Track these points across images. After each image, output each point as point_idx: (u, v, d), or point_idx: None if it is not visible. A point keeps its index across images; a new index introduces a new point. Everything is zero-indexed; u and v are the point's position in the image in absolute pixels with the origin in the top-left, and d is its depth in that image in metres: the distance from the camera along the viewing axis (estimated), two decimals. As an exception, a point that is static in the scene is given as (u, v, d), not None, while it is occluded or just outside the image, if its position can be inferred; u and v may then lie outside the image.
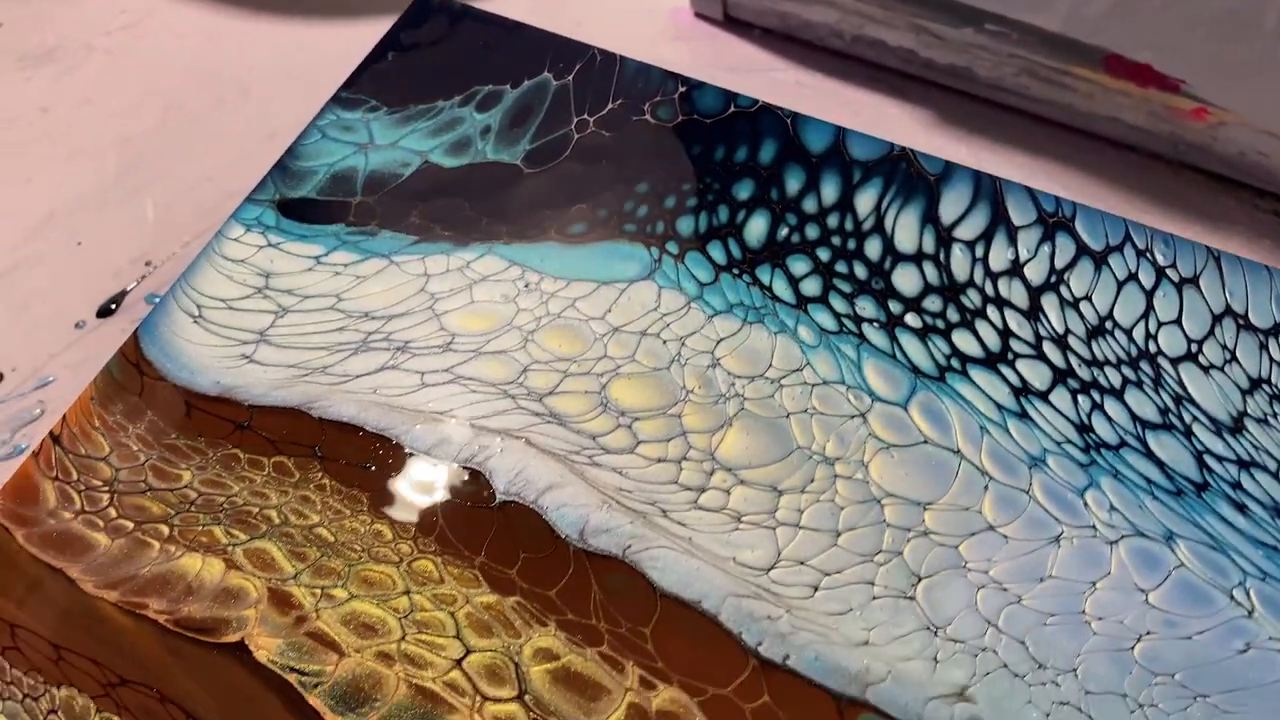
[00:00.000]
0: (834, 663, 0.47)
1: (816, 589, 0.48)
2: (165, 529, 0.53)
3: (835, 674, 0.46)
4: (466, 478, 0.52)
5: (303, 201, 0.61)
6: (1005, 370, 0.53)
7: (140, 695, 0.49)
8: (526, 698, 0.47)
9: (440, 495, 0.52)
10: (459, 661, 0.48)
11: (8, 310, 1.07)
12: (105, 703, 0.49)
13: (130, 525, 0.53)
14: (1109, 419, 0.51)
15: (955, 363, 0.53)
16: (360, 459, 0.53)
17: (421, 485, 0.52)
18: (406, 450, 0.53)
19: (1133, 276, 0.55)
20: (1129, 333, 0.53)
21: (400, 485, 0.52)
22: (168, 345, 0.57)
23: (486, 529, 0.51)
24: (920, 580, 0.48)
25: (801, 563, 0.49)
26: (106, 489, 0.54)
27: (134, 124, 1.09)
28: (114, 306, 1.04)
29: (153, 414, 0.56)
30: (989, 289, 0.55)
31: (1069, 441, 0.51)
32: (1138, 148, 0.78)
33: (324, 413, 0.55)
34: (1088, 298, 0.54)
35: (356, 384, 0.55)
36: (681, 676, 0.47)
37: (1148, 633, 0.46)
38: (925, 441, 0.51)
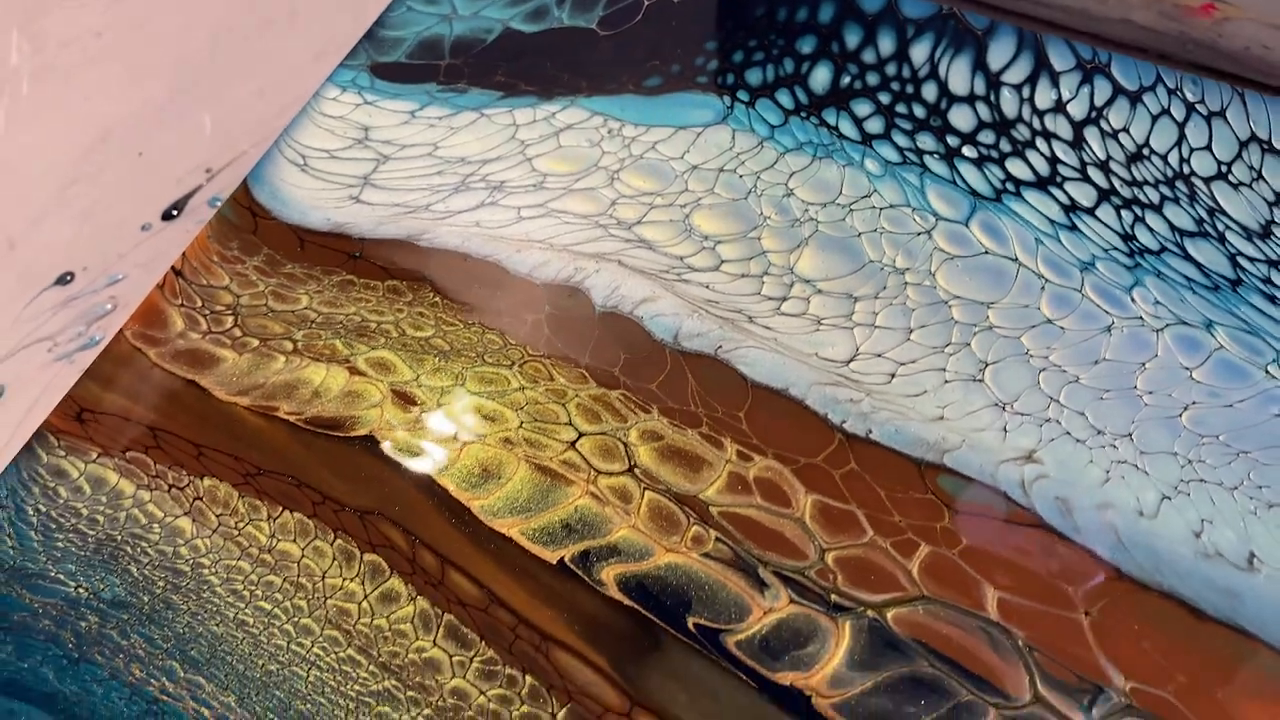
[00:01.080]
0: (913, 435, 0.52)
1: (893, 376, 0.54)
2: (289, 344, 0.57)
3: (915, 444, 0.52)
4: (568, 294, 0.57)
5: (394, 65, 0.66)
6: (1055, 191, 0.58)
7: (278, 482, 0.54)
8: (636, 470, 0.52)
9: (545, 310, 0.57)
10: (573, 443, 0.53)
11: (74, 216, 1.11)
12: (246, 489, 0.54)
13: (255, 342, 0.58)
14: (1150, 229, 0.57)
15: (1009, 186, 0.59)
16: (468, 281, 0.58)
17: (526, 302, 0.58)
18: (510, 272, 0.58)
19: (1165, 111, 0.60)
20: (1164, 158, 0.59)
21: (507, 302, 0.58)
22: (277, 190, 0.62)
23: (589, 337, 0.56)
24: (987, 366, 0.54)
25: (878, 355, 0.55)
26: (230, 313, 0.59)
27: (186, 46, 1.14)
28: (175, 212, 1.08)
29: (268, 248, 0.60)
30: (1036, 124, 0.61)
31: (1115, 249, 0.56)
32: (1149, 49, 0.83)
33: (431, 242, 0.60)
34: (1125, 129, 0.60)
35: (458, 219, 0.60)
36: (775, 450, 0.52)
37: (1193, 403, 0.52)
38: (986, 253, 0.57)
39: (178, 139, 1.11)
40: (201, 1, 1.20)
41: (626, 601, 0.49)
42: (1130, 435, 0.51)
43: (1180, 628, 0.47)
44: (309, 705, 0.48)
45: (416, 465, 0.53)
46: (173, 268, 0.60)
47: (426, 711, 0.47)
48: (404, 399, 0.55)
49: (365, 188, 0.61)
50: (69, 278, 1.04)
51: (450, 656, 0.48)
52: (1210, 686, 0.46)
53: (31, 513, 0.54)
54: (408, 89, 0.65)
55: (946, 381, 0.53)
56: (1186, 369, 0.52)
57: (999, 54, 0.61)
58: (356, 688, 0.48)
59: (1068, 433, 0.51)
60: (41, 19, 1.15)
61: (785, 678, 0.47)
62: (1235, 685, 0.45)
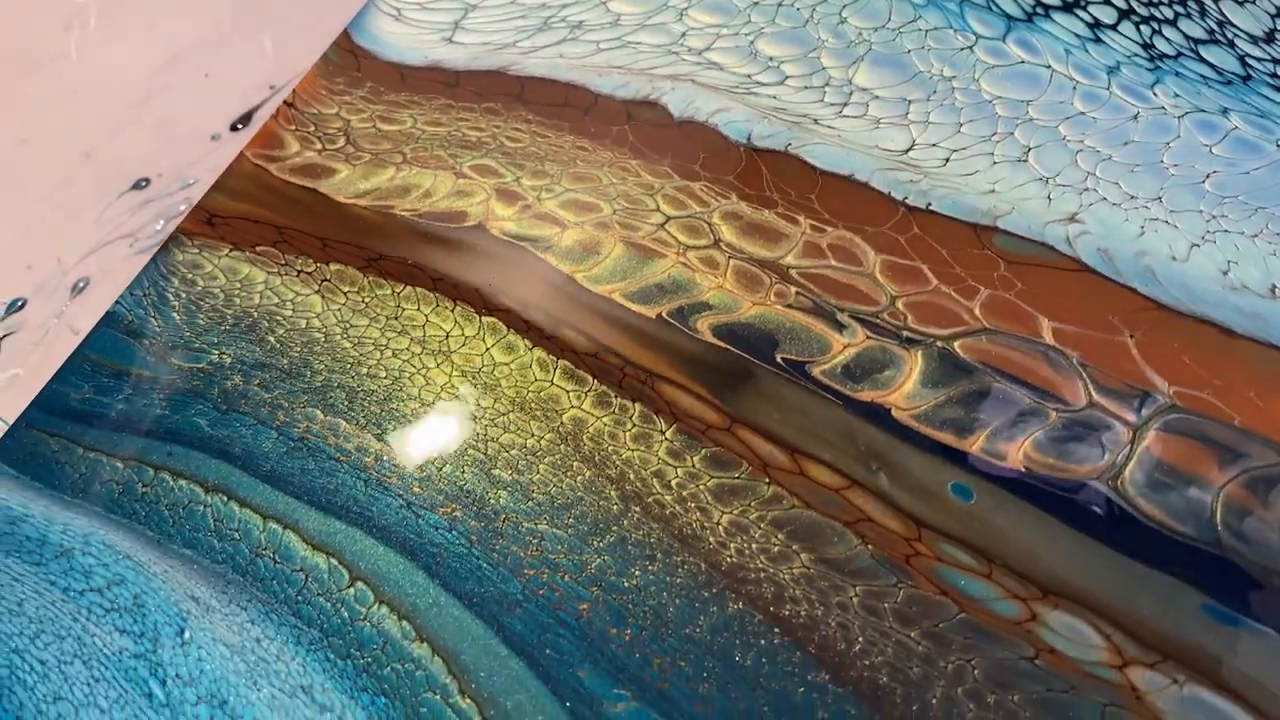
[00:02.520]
0: (968, 205, 0.59)
1: (947, 160, 0.61)
2: (398, 156, 0.64)
3: (970, 212, 0.59)
4: (648, 108, 0.64)
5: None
6: (1079, 13, 0.66)
7: (398, 265, 0.60)
8: (720, 244, 0.59)
9: (628, 121, 0.64)
10: (662, 225, 0.60)
11: (146, 129, 1.18)
12: (370, 271, 0.60)
13: (367, 156, 0.64)
14: (1167, 39, 0.64)
15: (1039, 9, 0.66)
16: (557, 101, 0.65)
17: (611, 115, 0.64)
18: (595, 92, 0.65)
19: (1175, -54, 0.68)
20: (1177, -18, 0.66)
21: (593, 117, 0.64)
22: (377, 37, 0.69)
23: (669, 141, 0.63)
24: (1030, 150, 0.61)
25: (933, 145, 0.62)
26: (341, 134, 0.65)
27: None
28: (241, 125, 1.15)
29: (371, 82, 0.67)
30: (1060, -41, 0.68)
31: (1136, 55, 0.64)
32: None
33: (520, 72, 0.67)
34: (1141, -38, 0.68)
35: (543, 53, 0.67)
36: (845, 223, 0.59)
37: (1214, 172, 0.59)
38: (1022, 62, 0.64)
39: (240, 59, 1.18)
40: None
41: (720, 344, 0.55)
42: (1160, 198, 0.58)
43: (1213, 345, 0.54)
44: (443, 431, 0.54)
45: (523, 247, 0.59)
46: (284, 101, 0.66)
47: (549, 435, 0.54)
48: (507, 196, 0.61)
49: (456, 30, 0.68)
50: (145, 183, 1.11)
51: (567, 392, 0.55)
52: (1242, 387, 0.52)
53: (172, 297, 0.60)
54: (489, -48, 0.72)
55: (995, 163, 0.60)
56: (1206, 145, 0.60)
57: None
58: (485, 421, 0.54)
59: (1104, 198, 0.58)
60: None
61: (866, 396, 0.53)
62: (1263, 385, 0.52)
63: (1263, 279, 0.55)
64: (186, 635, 0.50)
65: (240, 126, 1.10)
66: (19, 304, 1.06)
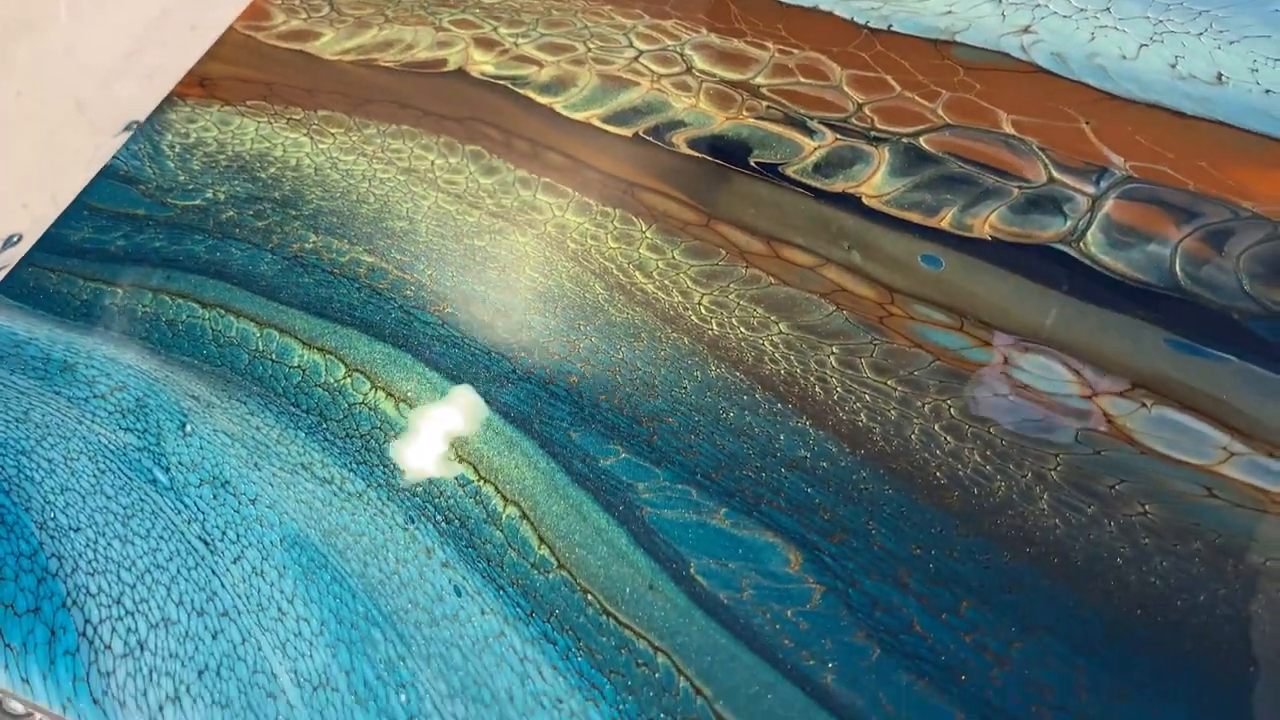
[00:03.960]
0: (927, 24, 0.62)
1: None
2: (380, 17, 0.67)
3: (929, 30, 0.62)
4: None
5: None
6: None
7: (383, 106, 0.63)
8: (693, 70, 0.62)
9: None
10: (635, 58, 0.63)
11: (136, 80, 1.21)
12: (357, 114, 0.63)
13: (350, 19, 0.67)
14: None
15: None
16: None
17: None
18: None
19: None
20: None
21: None
22: None
23: None
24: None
25: None
26: (326, 3, 0.68)
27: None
28: None
29: None
30: None
31: None
32: None
33: None
34: None
35: None
36: (811, 45, 0.62)
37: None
38: (972, -95, 0.67)
39: (224, 12, 1.21)
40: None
41: (696, 155, 0.58)
42: (1108, 9, 0.61)
43: (1166, 125, 0.56)
44: (431, 243, 0.56)
45: (502, 85, 0.62)
46: (270, -20, 0.69)
47: (533, 239, 0.56)
48: (485, 44, 0.64)
49: None
50: (135, 125, 1.14)
51: (549, 204, 0.57)
52: (1194, 159, 0.55)
53: (166, 148, 0.62)
54: None
55: None
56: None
57: None
58: (471, 232, 0.56)
59: (1055, 12, 0.61)
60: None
61: (837, 187, 0.56)
62: (1214, 156, 0.55)
63: (1209, 68, 0.57)
64: (188, 428, 0.51)
65: (227, 71, 1.11)
66: (15, 239, 1.08)
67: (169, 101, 0.63)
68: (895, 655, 0.41)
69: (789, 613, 0.43)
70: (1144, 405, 0.47)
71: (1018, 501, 0.44)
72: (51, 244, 0.58)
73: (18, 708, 0.69)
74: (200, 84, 0.64)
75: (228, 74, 0.64)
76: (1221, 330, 0.48)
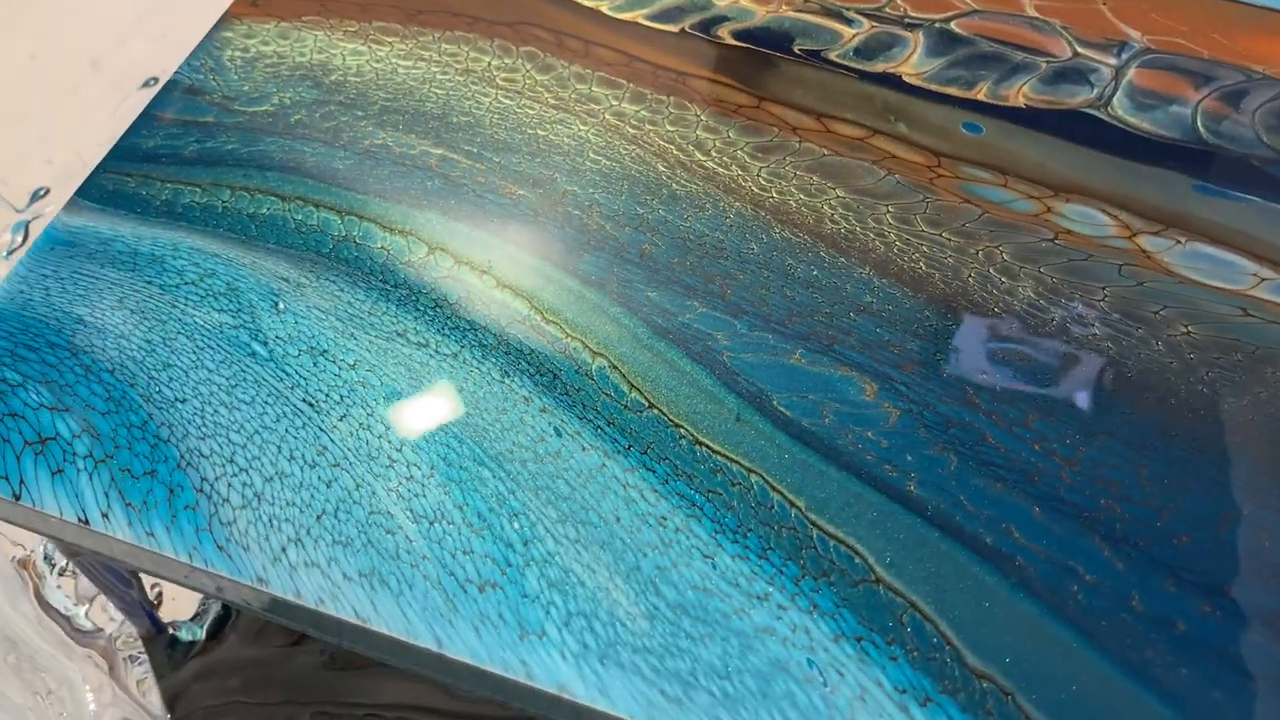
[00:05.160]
0: None
1: None
2: None
3: None
4: None
5: None
6: None
7: (435, 16, 0.66)
8: None
9: None
10: None
11: (148, 38, 1.23)
12: (410, 24, 0.66)
13: None
14: None
15: None
16: None
17: None
18: None
19: None
20: None
21: None
22: None
23: None
24: None
25: None
26: None
27: None
28: None
29: None
30: None
31: None
32: None
33: None
34: None
35: None
36: None
37: None
38: None
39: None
40: None
41: (741, 45, 0.62)
42: None
43: (1178, 3, 0.61)
44: (496, 134, 0.59)
45: None
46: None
47: (594, 126, 0.59)
48: (529, -44, 0.67)
49: None
50: (154, 80, 1.16)
51: (606, 94, 0.60)
52: (1207, 31, 0.59)
53: (228, 62, 0.65)
54: None
55: None
56: None
57: None
58: (534, 122, 0.60)
59: None
60: None
61: (878, 68, 0.60)
62: (1225, 28, 0.59)
63: (1214, -48, 0.62)
64: (281, 306, 0.54)
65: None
66: (42, 192, 1.10)
67: (224, 22, 0.66)
68: (972, 464, 0.45)
69: (869, 434, 0.47)
70: (1179, 242, 0.51)
71: (1071, 328, 0.48)
72: (124, 152, 0.60)
73: (86, 624, 0.71)
74: (253, 3, 0.66)
75: (280, -7, 0.67)
76: (1244, 175, 0.53)
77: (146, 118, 0.62)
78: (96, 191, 0.59)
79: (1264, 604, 0.41)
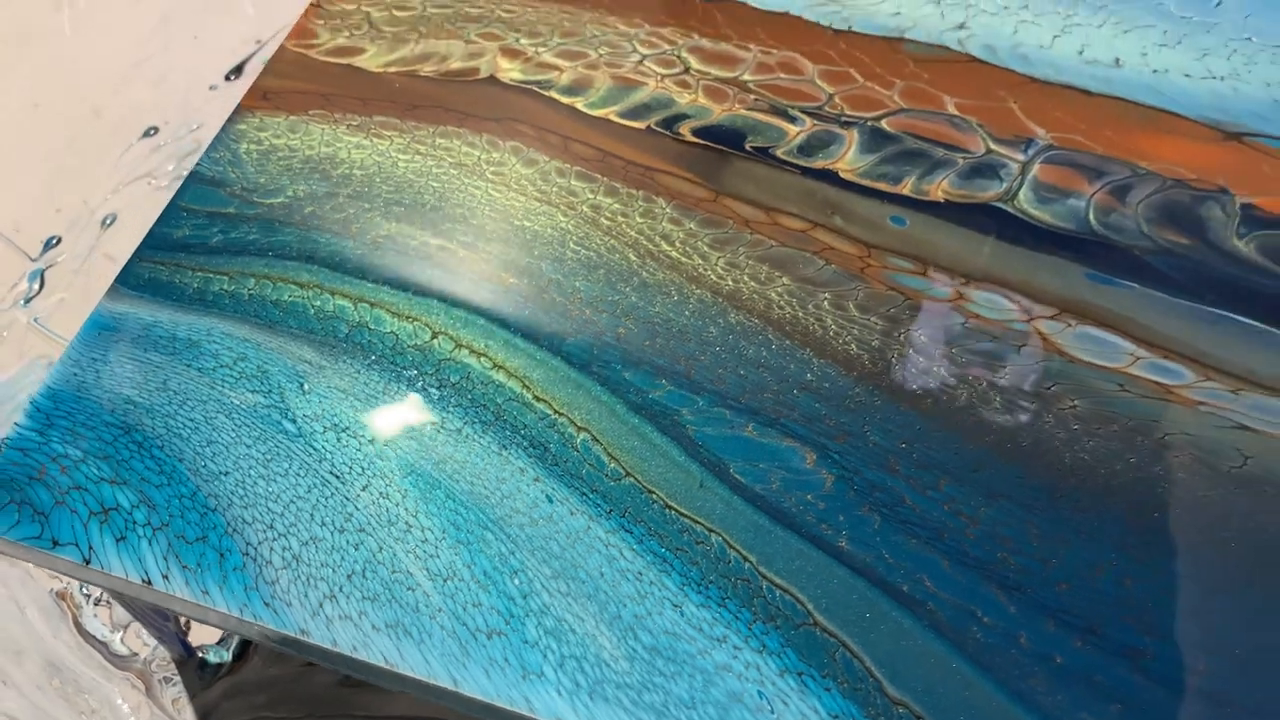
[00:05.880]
0: (880, 24, 0.75)
1: None
2: (415, 33, 0.79)
3: (882, 29, 0.75)
4: None
5: None
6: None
7: (429, 111, 0.75)
8: (690, 71, 0.74)
9: None
10: (641, 61, 0.75)
11: (148, 86, 1.31)
12: (406, 117, 0.74)
13: (389, 35, 0.79)
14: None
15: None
16: None
17: None
18: None
19: None
20: None
21: None
22: None
23: (641, 6, 0.79)
24: None
25: None
26: (364, 22, 0.80)
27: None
28: (232, 77, 1.29)
29: None
30: None
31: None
32: None
33: None
34: None
35: None
36: (786, 46, 0.75)
37: None
38: (911, -81, 0.81)
39: (225, 22, 1.31)
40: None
41: (700, 142, 0.71)
42: (1026, 6, 0.75)
43: (1077, 102, 0.71)
44: (487, 226, 0.69)
45: (529, 88, 0.74)
46: (312, 2, 0.80)
47: (573, 219, 0.68)
48: (510, 53, 0.76)
49: None
50: (154, 130, 1.24)
51: (584, 188, 0.70)
52: (1100, 129, 0.69)
53: (244, 154, 0.73)
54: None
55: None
56: None
57: None
58: (520, 215, 0.69)
59: (984, 10, 0.75)
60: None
61: (818, 165, 0.69)
62: (1116, 126, 0.69)
63: (1109, 54, 0.72)
64: (306, 387, 0.63)
65: (234, 77, 1.23)
66: (54, 240, 1.18)
67: (238, 114, 0.74)
68: (893, 522, 0.55)
69: (809, 497, 0.57)
70: (1070, 324, 0.61)
71: (977, 403, 0.59)
72: (157, 241, 0.69)
73: (122, 649, 0.81)
74: (264, 97, 0.75)
75: (287, 87, 0.76)
76: (1127, 264, 0.63)
77: (174, 208, 0.71)
78: (134, 279, 0.68)
79: (1126, 640, 0.51)
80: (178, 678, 0.80)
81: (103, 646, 0.83)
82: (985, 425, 0.57)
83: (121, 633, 0.83)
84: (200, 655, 0.82)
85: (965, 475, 0.56)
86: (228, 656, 0.82)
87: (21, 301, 1.04)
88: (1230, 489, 0.55)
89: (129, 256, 0.69)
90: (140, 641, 0.83)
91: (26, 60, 1.25)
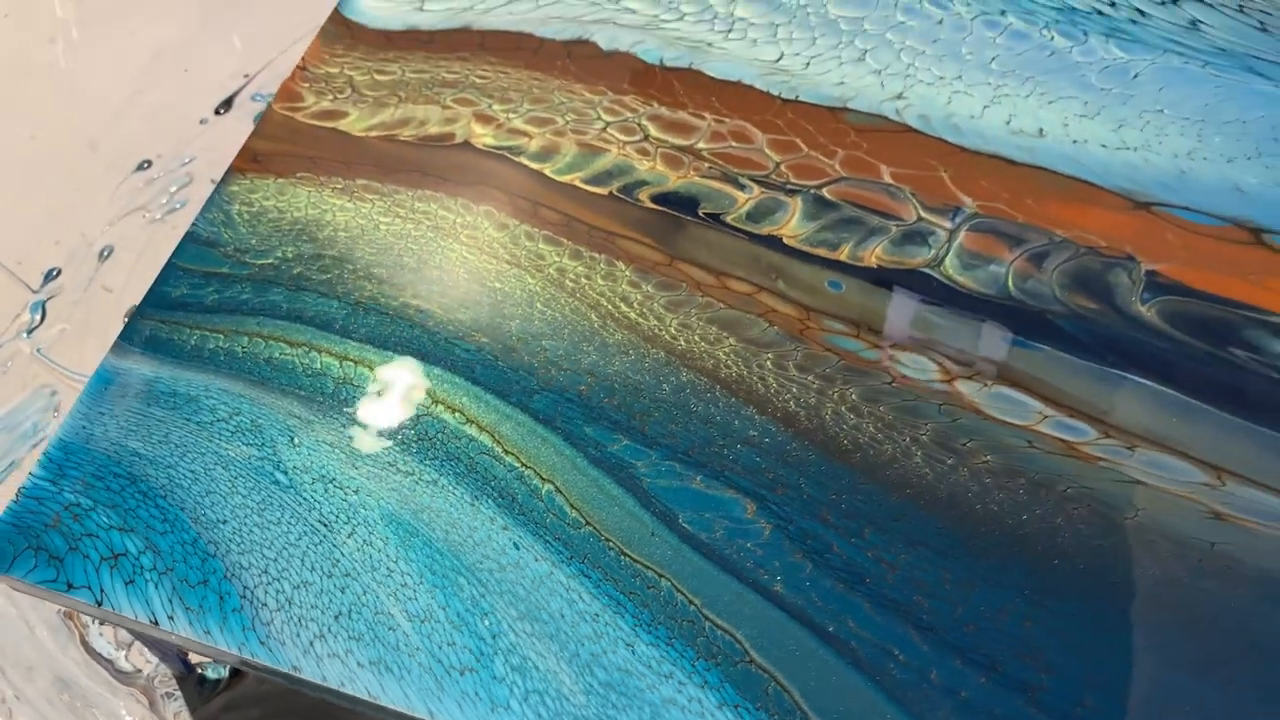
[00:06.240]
0: (825, 94, 0.82)
1: (808, 65, 0.84)
2: (394, 98, 0.85)
3: (826, 99, 0.82)
4: (582, 45, 0.86)
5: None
6: (896, -51, 0.89)
7: (409, 175, 0.81)
8: (649, 138, 0.81)
9: (569, 56, 0.86)
10: (604, 129, 0.82)
11: (141, 118, 1.37)
12: (388, 181, 0.81)
13: (370, 100, 0.85)
14: (960, -36, 0.88)
15: (866, -51, 0.89)
16: (511, 46, 0.87)
17: (555, 53, 0.86)
18: (539, 37, 0.87)
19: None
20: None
21: (541, 55, 0.86)
22: (362, 11, 0.89)
23: (602, 69, 0.85)
24: (866, 52, 0.84)
25: (796, 55, 0.84)
26: (347, 86, 0.86)
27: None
28: (222, 110, 1.35)
29: (363, 45, 0.88)
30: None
31: (939, -22, 0.87)
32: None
33: (480, 28, 0.88)
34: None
35: (496, 12, 0.88)
36: (738, 115, 0.82)
37: (996, 55, 0.83)
38: (856, -11, 0.87)
39: (214, 55, 1.37)
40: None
41: (658, 208, 0.78)
42: (960, 77, 0.82)
43: (1002, 171, 0.77)
44: (462, 287, 0.75)
45: (500, 154, 0.81)
46: (298, 65, 0.86)
47: (541, 281, 0.75)
48: (483, 118, 0.83)
49: (425, 1, 0.89)
50: (148, 164, 1.30)
51: (550, 250, 0.76)
52: (1023, 197, 0.76)
53: (236, 216, 0.80)
54: (441, -61, 0.93)
55: (841, 64, 0.83)
56: (991, 37, 0.83)
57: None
58: (492, 276, 0.75)
59: (921, 80, 0.82)
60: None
61: (764, 231, 0.76)
62: (1037, 194, 0.76)
63: (1034, 124, 0.79)
64: (296, 440, 0.70)
65: (223, 110, 1.29)
66: (54, 272, 1.24)
67: (230, 175, 0.81)
68: (822, 568, 0.63)
69: (749, 544, 0.64)
70: (986, 384, 0.68)
71: (900, 457, 0.66)
72: (157, 300, 0.75)
73: (127, 666, 0.88)
74: (254, 159, 0.81)
75: (276, 150, 0.82)
76: (1040, 327, 0.70)
77: (171, 268, 0.77)
78: (136, 336, 0.74)
79: (1024, 677, 0.59)
80: (179, 693, 0.87)
81: (108, 664, 0.89)
82: (907, 478, 0.65)
83: (126, 650, 0.90)
84: (200, 671, 0.89)
85: (888, 524, 0.63)
86: (225, 673, 0.89)
87: (24, 333, 1.10)
88: (1124, 538, 0.62)
89: (127, 298, 0.75)
90: (143, 659, 0.90)
91: (23, 92, 1.31)
